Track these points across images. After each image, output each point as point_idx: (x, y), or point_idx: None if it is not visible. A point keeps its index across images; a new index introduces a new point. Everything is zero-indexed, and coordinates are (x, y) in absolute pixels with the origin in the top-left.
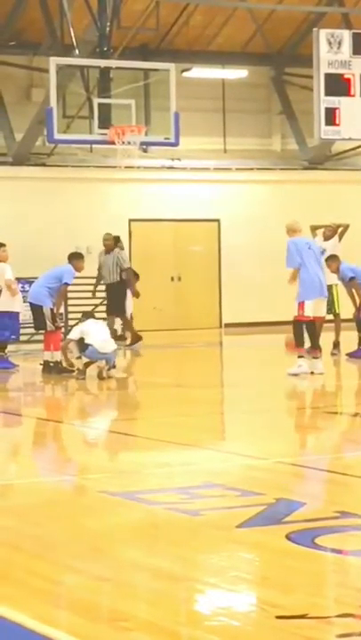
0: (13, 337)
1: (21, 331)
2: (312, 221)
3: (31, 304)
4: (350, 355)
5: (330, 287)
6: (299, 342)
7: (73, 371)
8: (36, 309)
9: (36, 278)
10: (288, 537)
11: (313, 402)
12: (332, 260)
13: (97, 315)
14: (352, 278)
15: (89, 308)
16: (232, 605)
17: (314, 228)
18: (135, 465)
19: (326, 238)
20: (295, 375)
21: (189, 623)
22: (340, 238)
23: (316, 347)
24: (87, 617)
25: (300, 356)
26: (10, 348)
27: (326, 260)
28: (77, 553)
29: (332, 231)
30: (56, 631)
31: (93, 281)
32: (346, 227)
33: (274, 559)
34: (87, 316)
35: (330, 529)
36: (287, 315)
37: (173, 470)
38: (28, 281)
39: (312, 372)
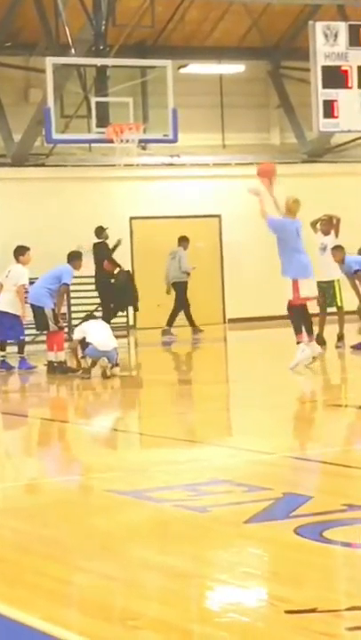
0: (22, 337)
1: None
2: (313, 213)
3: (32, 305)
4: (355, 347)
5: (331, 282)
6: (297, 329)
7: (77, 370)
8: (38, 311)
9: (37, 279)
10: (296, 531)
11: (318, 395)
12: (338, 250)
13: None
14: (357, 271)
15: (91, 308)
16: (242, 601)
17: (314, 224)
18: (142, 463)
19: (325, 233)
20: (299, 364)
21: (199, 620)
22: (336, 234)
23: (309, 331)
24: (98, 617)
25: (298, 342)
26: (10, 349)
27: (332, 249)
28: (86, 553)
29: (328, 224)
30: (67, 632)
31: (94, 280)
32: (338, 219)
33: (283, 554)
34: (90, 317)
35: (337, 522)
36: None
37: (180, 467)
38: (30, 281)
39: (314, 357)
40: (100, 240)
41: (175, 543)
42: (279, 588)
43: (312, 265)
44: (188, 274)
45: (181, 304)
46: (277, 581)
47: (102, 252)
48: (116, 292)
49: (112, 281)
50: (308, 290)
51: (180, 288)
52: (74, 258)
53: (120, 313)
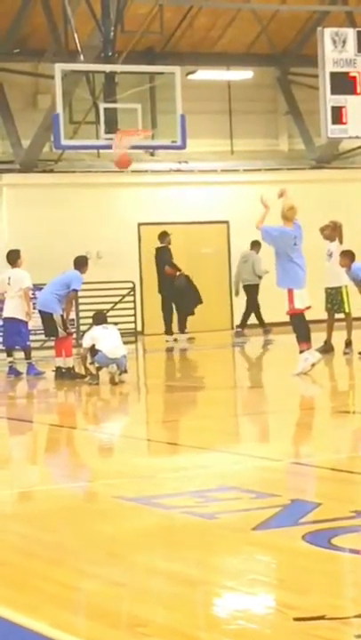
0: (28, 343)
1: (32, 337)
2: (320, 219)
3: (41, 311)
4: None
5: (338, 288)
6: (301, 337)
7: (85, 376)
8: (47, 316)
9: (44, 284)
10: (304, 538)
11: (325, 401)
12: (346, 255)
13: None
14: None
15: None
16: (250, 608)
17: (322, 230)
18: (150, 469)
19: (329, 239)
20: (302, 372)
21: (207, 627)
22: (340, 240)
23: (308, 339)
24: (105, 623)
25: (301, 351)
26: (17, 355)
27: (340, 254)
28: (94, 559)
29: (332, 229)
30: (74, 638)
31: (104, 285)
32: (340, 225)
33: (291, 561)
34: (98, 316)
35: (346, 529)
36: None
37: (188, 474)
38: (38, 287)
39: (313, 364)
40: (162, 245)
41: (183, 550)
42: (288, 595)
43: (305, 277)
44: (261, 277)
45: (253, 305)
46: (286, 588)
47: (164, 256)
48: (178, 296)
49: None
50: (303, 301)
51: (252, 290)
52: (80, 263)
53: (127, 319)
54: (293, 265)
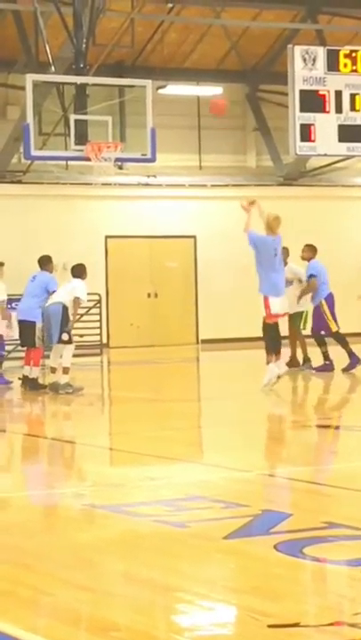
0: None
1: None
2: (288, 236)
3: (23, 321)
4: (316, 369)
5: (301, 313)
6: (270, 349)
7: (46, 387)
8: (28, 326)
9: (13, 296)
10: (276, 547)
11: (291, 415)
12: (310, 248)
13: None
14: (311, 276)
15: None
16: (224, 615)
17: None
18: (119, 478)
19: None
20: (269, 383)
21: (181, 633)
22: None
23: (277, 351)
24: (79, 627)
25: (268, 362)
26: None
27: (305, 246)
28: (67, 564)
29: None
30: None
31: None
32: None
33: (263, 569)
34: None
35: (318, 539)
36: None
37: (158, 483)
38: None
39: (279, 376)
40: None
41: (155, 557)
42: (261, 602)
43: (283, 287)
44: None
45: None
46: (259, 596)
47: None
48: None
49: None
50: (280, 307)
51: None
52: (45, 262)
53: (92, 332)
54: (274, 274)
